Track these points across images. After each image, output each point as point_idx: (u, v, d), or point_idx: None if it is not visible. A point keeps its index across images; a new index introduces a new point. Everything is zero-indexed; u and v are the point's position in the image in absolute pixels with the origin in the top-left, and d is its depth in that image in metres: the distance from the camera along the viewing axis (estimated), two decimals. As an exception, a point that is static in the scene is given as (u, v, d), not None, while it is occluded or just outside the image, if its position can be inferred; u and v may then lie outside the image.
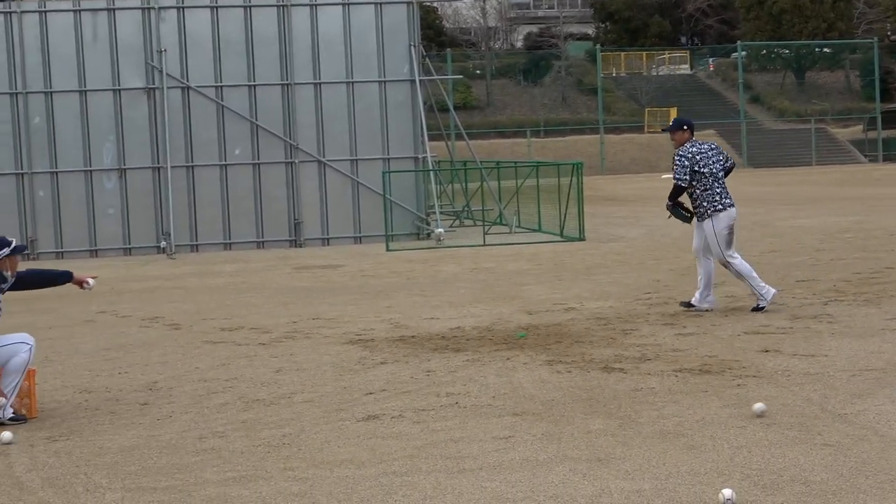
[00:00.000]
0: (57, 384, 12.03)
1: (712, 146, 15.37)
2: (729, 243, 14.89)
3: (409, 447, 9.04)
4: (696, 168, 14.86)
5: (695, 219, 15.20)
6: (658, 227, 29.59)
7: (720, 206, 14.83)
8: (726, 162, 15.28)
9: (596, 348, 12.92)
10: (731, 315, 14.90)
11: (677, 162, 15.02)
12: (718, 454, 8.52)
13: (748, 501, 7.39)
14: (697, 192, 14.95)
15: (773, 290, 14.93)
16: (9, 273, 10.37)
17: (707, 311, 15.10)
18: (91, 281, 10.95)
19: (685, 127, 15.41)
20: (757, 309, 14.88)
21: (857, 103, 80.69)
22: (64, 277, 10.80)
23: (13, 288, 10.50)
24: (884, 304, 15.25)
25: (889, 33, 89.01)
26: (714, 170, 14.94)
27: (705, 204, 14.87)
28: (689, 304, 15.28)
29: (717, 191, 14.90)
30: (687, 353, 12.38)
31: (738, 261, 14.86)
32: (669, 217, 15.76)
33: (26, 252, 11.45)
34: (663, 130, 16.63)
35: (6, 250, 10.36)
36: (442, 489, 7.92)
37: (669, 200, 15.36)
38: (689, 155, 14.93)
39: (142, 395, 11.42)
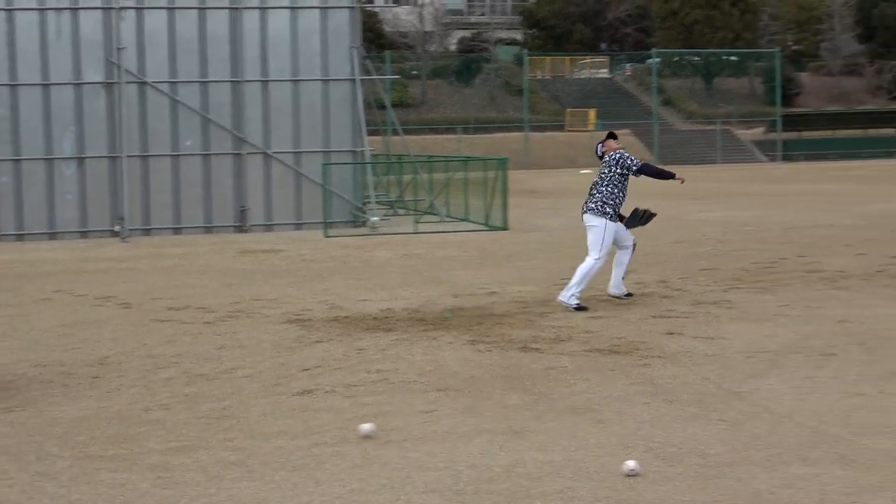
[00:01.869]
0: (13, 359, 11.95)
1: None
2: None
3: (340, 420, 9.06)
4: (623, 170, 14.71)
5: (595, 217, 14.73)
6: (577, 217, 29.70)
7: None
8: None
9: (515, 329, 12.99)
10: (640, 300, 15.02)
11: (627, 156, 14.75)
12: (624, 428, 8.60)
13: (650, 472, 7.46)
14: (615, 192, 14.73)
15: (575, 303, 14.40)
16: None
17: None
18: None
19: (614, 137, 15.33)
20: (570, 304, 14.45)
21: (759, 107, 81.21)
22: None
23: None
24: (778, 292, 15.43)
25: (790, 44, 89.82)
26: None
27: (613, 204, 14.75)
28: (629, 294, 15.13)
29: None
30: (597, 335, 12.48)
31: (600, 263, 14.56)
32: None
33: None
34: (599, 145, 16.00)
35: None
36: (369, 459, 7.95)
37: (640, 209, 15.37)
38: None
39: (93, 370, 11.35)
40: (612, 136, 15.40)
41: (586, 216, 14.77)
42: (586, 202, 14.81)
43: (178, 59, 28.37)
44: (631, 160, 14.73)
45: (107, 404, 9.82)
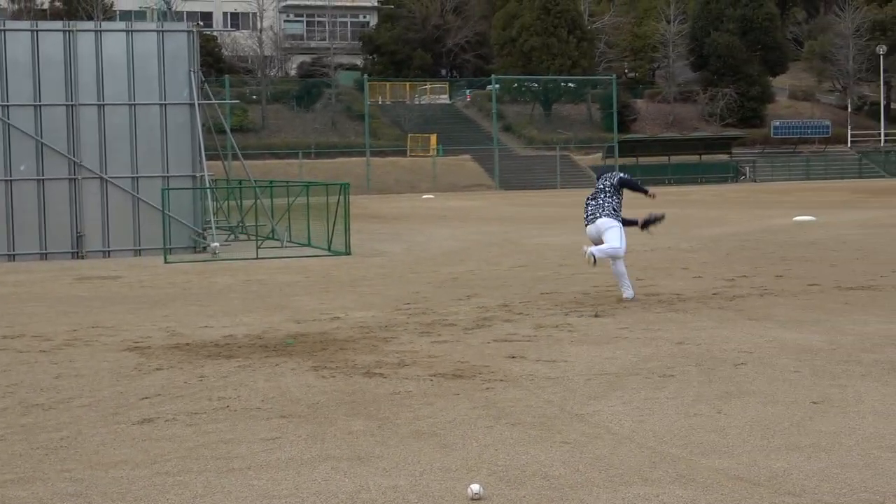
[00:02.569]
0: None
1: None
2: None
3: (182, 448, 8.92)
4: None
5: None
6: (418, 243, 29.85)
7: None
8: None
9: (358, 355, 12.95)
10: (483, 325, 15.11)
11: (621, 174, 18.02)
12: (468, 452, 8.62)
13: (494, 495, 7.48)
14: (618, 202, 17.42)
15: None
16: None
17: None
18: None
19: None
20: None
21: (597, 133, 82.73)
22: None
23: None
24: (618, 315, 15.66)
25: (626, 71, 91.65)
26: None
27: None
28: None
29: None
30: (441, 360, 12.50)
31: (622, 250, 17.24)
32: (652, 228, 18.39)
33: None
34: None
35: None
36: (212, 488, 7.84)
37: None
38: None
39: (-78, 401, 11.00)
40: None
41: (602, 220, 17.15)
42: (594, 213, 17.35)
43: (10, 81, 27.78)
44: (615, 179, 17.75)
45: (-63, 437, 9.53)
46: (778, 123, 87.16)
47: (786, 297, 17.23)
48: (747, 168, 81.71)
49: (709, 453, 8.45)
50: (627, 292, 17.32)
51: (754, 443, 8.74)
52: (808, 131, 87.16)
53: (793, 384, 10.86)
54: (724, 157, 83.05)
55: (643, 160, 78.68)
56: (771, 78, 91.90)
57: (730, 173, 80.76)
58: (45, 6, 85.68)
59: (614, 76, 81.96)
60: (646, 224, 18.13)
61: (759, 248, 25.81)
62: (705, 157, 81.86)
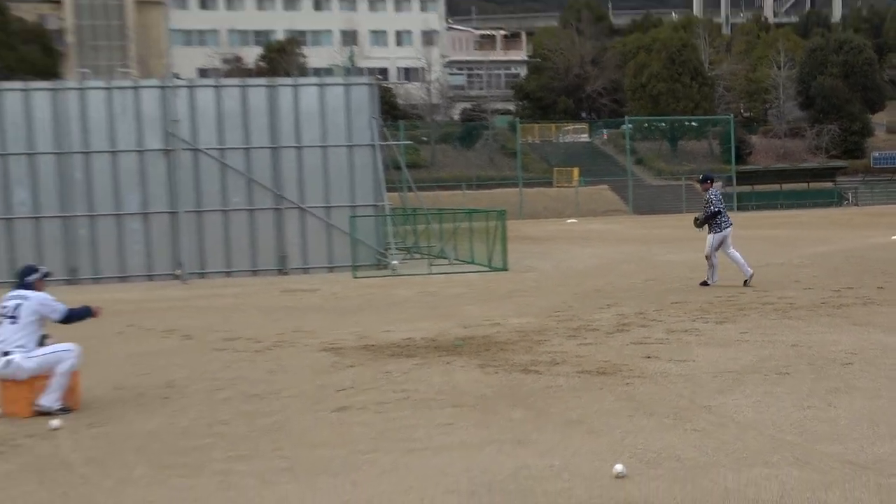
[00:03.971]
0: (95, 382, 11.96)
1: (717, 193, 20.82)
2: (716, 248, 20.38)
3: (372, 432, 9.08)
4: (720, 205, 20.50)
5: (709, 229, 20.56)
6: (564, 260, 29.74)
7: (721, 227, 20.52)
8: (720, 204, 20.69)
9: (517, 354, 13.00)
10: (622, 330, 15.04)
11: (713, 199, 20.58)
12: (612, 437, 8.62)
13: (635, 474, 7.49)
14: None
15: (750, 271, 20.39)
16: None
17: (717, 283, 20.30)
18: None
19: (709, 180, 21.22)
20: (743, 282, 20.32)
21: (717, 165, 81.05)
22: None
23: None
24: (738, 321, 15.43)
25: (742, 111, 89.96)
26: (721, 208, 20.62)
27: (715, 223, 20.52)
28: (705, 283, 20.49)
29: (724, 218, 20.58)
30: (587, 359, 12.48)
31: (717, 259, 20.57)
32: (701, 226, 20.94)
33: (50, 276, 11.49)
34: (699, 181, 21.97)
35: (37, 275, 10.60)
36: (397, 465, 7.97)
37: (699, 221, 20.93)
38: (717, 195, 20.74)
39: (162, 391, 11.39)
40: (705, 179, 21.38)
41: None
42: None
43: (224, 129, 28.53)
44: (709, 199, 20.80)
45: (175, 421, 9.85)
46: (877, 154, 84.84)
47: (887, 307, 16.77)
48: (850, 194, 79.43)
49: (821, 440, 8.32)
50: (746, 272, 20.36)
51: (861, 431, 8.57)
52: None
53: (894, 381, 10.60)
54: (829, 184, 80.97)
55: (758, 188, 77.30)
56: (870, 115, 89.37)
57: (834, 199, 78.56)
58: (252, 66, 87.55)
59: (732, 116, 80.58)
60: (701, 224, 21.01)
61: (862, 264, 25.13)
62: (812, 185, 79.95)
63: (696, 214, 21.49)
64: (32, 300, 10.40)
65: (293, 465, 8.06)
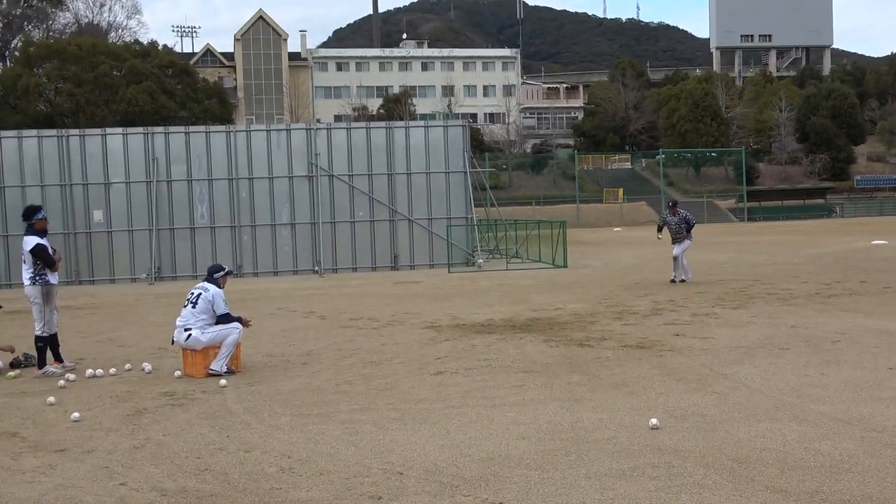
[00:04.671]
0: (253, 351, 12.11)
1: (681, 216, 20.33)
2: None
3: (461, 391, 9.01)
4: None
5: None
6: (611, 260, 29.35)
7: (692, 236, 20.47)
8: (687, 222, 20.38)
9: (574, 332, 12.84)
10: (656, 313, 14.77)
11: (688, 216, 20.48)
12: (648, 397, 8.43)
13: (666, 426, 7.30)
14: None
15: (691, 277, 19.94)
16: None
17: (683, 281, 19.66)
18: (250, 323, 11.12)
19: (675, 204, 20.89)
20: (679, 281, 19.73)
21: (731, 186, 79.75)
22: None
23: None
24: (748, 308, 15.08)
25: (751, 144, 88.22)
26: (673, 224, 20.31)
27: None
28: (677, 280, 19.69)
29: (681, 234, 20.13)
30: (629, 336, 12.29)
31: (686, 260, 20.34)
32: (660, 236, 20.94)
33: (234, 274, 11.55)
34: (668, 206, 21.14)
35: (222, 273, 10.63)
36: (480, 417, 7.89)
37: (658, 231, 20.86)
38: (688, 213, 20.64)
39: (302, 358, 11.45)
40: (675, 204, 20.89)
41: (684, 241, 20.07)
42: (676, 238, 20.12)
43: (353, 160, 28.72)
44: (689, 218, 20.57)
45: (312, 381, 9.89)
46: (860, 178, 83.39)
47: (868, 296, 16.22)
48: (837, 208, 77.55)
49: (815, 401, 8.04)
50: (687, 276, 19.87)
51: (848, 395, 8.26)
52: (882, 183, 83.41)
53: (874, 355, 10.22)
54: (820, 201, 79.21)
55: (764, 203, 76.05)
56: (854, 147, 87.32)
57: (825, 212, 76.73)
58: (374, 113, 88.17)
59: (743, 148, 79.23)
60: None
61: (847, 263, 24.37)
62: (808, 201, 78.33)
63: (658, 223, 21.28)
64: (209, 294, 10.44)
65: (402, 416, 8.02)
